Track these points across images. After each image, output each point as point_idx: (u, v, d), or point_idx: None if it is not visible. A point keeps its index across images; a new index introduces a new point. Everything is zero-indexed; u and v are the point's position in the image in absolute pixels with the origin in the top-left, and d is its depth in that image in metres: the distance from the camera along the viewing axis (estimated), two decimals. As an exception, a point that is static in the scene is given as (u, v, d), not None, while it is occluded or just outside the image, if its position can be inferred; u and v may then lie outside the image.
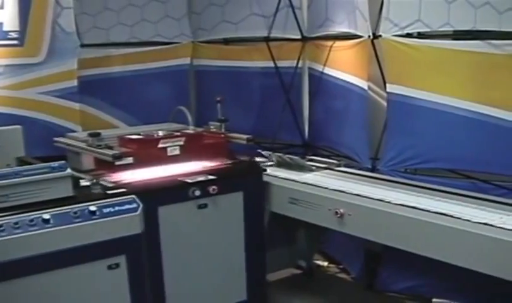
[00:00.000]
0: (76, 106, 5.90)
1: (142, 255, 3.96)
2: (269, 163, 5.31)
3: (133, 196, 3.93)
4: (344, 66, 5.65)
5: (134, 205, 3.90)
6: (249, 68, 6.63)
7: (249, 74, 6.64)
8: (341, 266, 5.95)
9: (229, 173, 4.59)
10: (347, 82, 5.58)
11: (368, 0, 5.06)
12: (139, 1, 6.43)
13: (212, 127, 5.09)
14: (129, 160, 4.32)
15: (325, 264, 6.06)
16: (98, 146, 4.39)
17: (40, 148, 5.06)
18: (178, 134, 4.80)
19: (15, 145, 4.65)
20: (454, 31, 4.77)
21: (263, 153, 5.48)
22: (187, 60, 6.82)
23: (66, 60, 5.77)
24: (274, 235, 4.89)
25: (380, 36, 4.98)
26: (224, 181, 4.43)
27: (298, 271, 5.81)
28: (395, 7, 4.88)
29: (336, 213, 4.26)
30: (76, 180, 3.99)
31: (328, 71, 5.91)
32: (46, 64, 5.69)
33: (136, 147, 4.53)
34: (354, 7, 5.25)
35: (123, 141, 4.66)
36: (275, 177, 4.94)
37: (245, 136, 4.98)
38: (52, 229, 3.57)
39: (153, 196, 4.11)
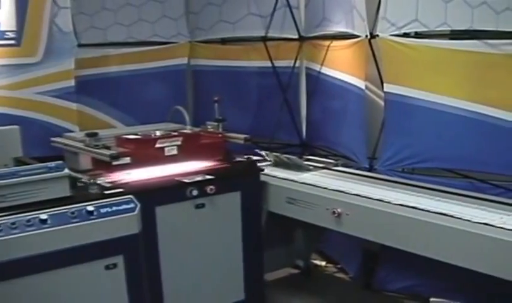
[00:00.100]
0: (74, 106, 5.89)
1: (140, 255, 3.96)
2: (267, 163, 5.31)
3: (131, 196, 3.93)
4: (341, 66, 5.65)
5: (132, 205, 3.90)
6: (247, 68, 6.63)
7: (247, 73, 6.64)
8: (339, 266, 5.96)
9: (226, 173, 4.59)
10: (345, 82, 5.58)
11: (366, 0, 5.06)
12: (136, 1, 6.43)
13: (209, 127, 5.09)
14: (127, 160, 4.30)
15: (323, 263, 6.07)
16: (96, 146, 4.37)
17: (38, 148, 5.05)
18: (176, 134, 4.79)
19: (12, 145, 4.64)
20: (451, 30, 4.77)
21: (260, 152, 5.48)
22: (184, 60, 6.82)
23: (63, 60, 5.76)
24: (271, 234, 4.89)
25: (378, 35, 4.99)
26: (221, 181, 4.43)
27: (296, 271, 5.82)
28: (392, 6, 4.88)
29: (334, 212, 4.26)
30: (73, 180, 3.99)
31: (325, 70, 5.91)
32: (43, 64, 5.67)
33: (133, 147, 4.52)
34: (351, 6, 5.26)
35: (120, 141, 4.65)
36: (273, 176, 4.94)
37: (243, 136, 4.97)
38: (50, 229, 3.57)
39: (151, 196, 4.11)
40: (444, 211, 3.83)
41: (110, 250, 3.81)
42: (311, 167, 5.20)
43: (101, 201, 3.84)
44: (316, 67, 6.04)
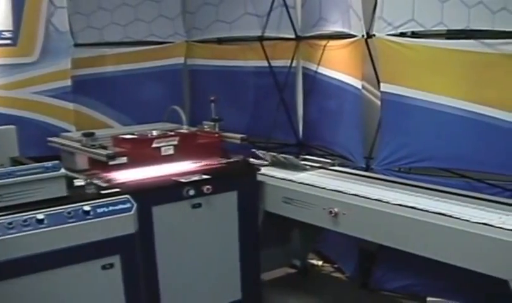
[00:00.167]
0: (70, 106, 5.88)
1: (136, 255, 3.96)
2: (263, 163, 5.31)
3: (127, 196, 3.93)
4: (338, 65, 5.65)
5: (128, 205, 3.89)
6: (243, 67, 6.62)
7: (243, 73, 6.64)
8: (336, 265, 5.96)
9: (223, 172, 4.59)
10: (341, 81, 5.58)
11: (362, 0, 5.06)
12: (133, 1, 6.42)
13: (206, 126, 5.09)
14: (123, 159, 4.31)
15: (320, 263, 6.07)
16: (92, 146, 4.38)
17: (34, 148, 5.05)
18: (172, 133, 4.79)
19: (9, 145, 4.63)
20: (448, 30, 4.78)
21: (257, 152, 5.48)
22: (181, 60, 6.81)
23: (59, 59, 5.75)
24: (268, 234, 4.89)
25: (374, 35, 4.98)
26: (218, 181, 4.43)
27: (293, 270, 5.82)
28: (389, 6, 4.88)
29: (330, 212, 4.26)
30: (70, 180, 3.99)
31: (322, 70, 5.91)
32: (40, 64, 5.66)
33: (130, 147, 4.52)
34: (348, 6, 5.25)
35: (117, 140, 4.65)
36: (270, 176, 4.94)
37: (239, 136, 4.98)
38: (46, 229, 3.56)
39: (147, 196, 4.11)
40: (443, 211, 3.83)
41: (107, 250, 3.81)
42: (308, 167, 5.20)
43: (97, 200, 3.83)
44: (313, 67, 6.04)
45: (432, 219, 3.76)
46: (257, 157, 5.40)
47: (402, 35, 4.91)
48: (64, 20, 5.77)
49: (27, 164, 4.03)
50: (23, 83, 5.61)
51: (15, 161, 4.50)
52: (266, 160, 5.37)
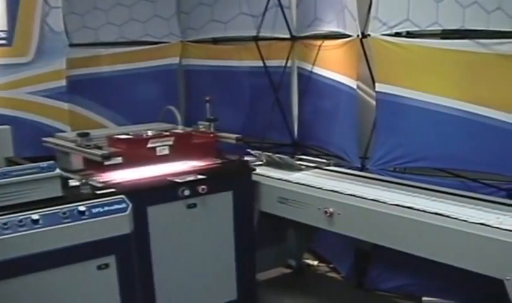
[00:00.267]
0: (65, 106, 5.86)
1: (132, 256, 3.95)
2: (258, 163, 5.31)
3: (122, 196, 3.93)
4: (333, 65, 5.66)
5: (124, 205, 3.89)
6: (238, 67, 6.62)
7: (238, 73, 6.64)
8: (331, 265, 5.96)
9: (218, 172, 4.59)
10: (337, 81, 5.59)
11: (357, 0, 5.07)
12: (127, 1, 6.41)
13: (201, 126, 5.09)
14: (118, 159, 4.31)
15: (315, 263, 6.07)
16: (87, 146, 4.37)
17: (29, 148, 5.04)
18: (167, 133, 4.79)
19: (3, 145, 4.62)
20: (443, 30, 4.79)
21: (252, 152, 5.47)
22: (176, 60, 6.80)
23: (54, 59, 5.73)
24: (263, 234, 4.89)
25: (369, 35, 4.98)
26: (213, 181, 4.43)
27: (288, 270, 5.82)
28: (384, 6, 4.88)
29: (326, 212, 4.27)
30: (65, 181, 3.98)
31: (317, 70, 5.91)
32: (34, 64, 5.64)
33: (125, 147, 4.52)
34: (343, 6, 5.26)
35: (112, 140, 4.64)
36: (265, 176, 4.94)
37: (234, 136, 4.98)
38: (41, 229, 3.56)
39: (143, 196, 4.10)
40: (440, 211, 3.83)
41: (102, 251, 3.80)
42: (303, 167, 5.21)
43: (93, 201, 3.83)
44: (308, 67, 6.04)
45: (429, 219, 3.76)
46: (250, 155, 5.39)
47: (397, 34, 4.91)
48: (59, 20, 5.75)
49: (22, 164, 4.01)
50: (17, 83, 5.59)
51: (10, 162, 4.49)
52: (261, 160, 5.37)
